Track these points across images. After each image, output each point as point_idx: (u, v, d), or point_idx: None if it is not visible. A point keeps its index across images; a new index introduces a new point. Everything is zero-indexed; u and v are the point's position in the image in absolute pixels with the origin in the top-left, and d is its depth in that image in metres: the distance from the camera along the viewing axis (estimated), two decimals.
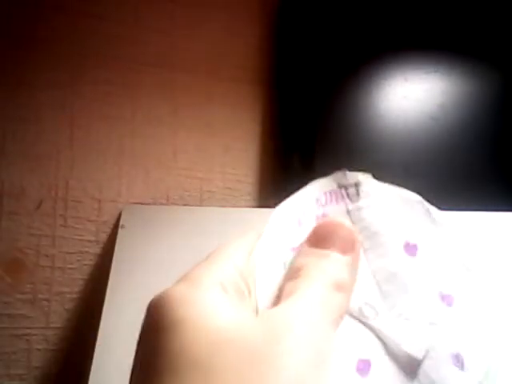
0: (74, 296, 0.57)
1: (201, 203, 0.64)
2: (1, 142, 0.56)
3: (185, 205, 0.64)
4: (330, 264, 0.21)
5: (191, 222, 0.57)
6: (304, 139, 0.66)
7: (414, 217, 0.24)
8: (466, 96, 0.65)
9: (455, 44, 0.66)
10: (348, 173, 0.24)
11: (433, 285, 0.22)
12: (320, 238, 0.22)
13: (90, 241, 0.59)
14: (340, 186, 0.24)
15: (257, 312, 0.20)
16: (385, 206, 0.24)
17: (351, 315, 0.21)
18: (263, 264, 0.21)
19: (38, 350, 0.55)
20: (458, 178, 0.63)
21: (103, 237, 0.59)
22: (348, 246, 0.21)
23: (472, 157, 0.64)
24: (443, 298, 0.22)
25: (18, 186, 0.56)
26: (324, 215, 0.23)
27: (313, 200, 0.23)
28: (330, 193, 0.23)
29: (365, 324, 0.21)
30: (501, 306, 0.21)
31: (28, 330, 0.55)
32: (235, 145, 0.68)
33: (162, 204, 0.62)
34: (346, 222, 0.22)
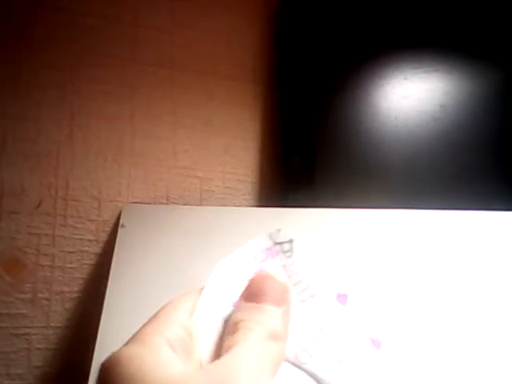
0: (74, 295, 0.57)
1: (201, 203, 0.64)
2: (1, 142, 0.56)
3: (185, 204, 0.64)
4: (264, 316, 0.22)
5: (191, 222, 0.57)
6: (304, 139, 0.66)
7: (344, 268, 0.26)
8: (466, 95, 0.65)
9: (455, 43, 0.66)
10: (282, 231, 0.26)
11: (363, 330, 0.24)
12: (254, 293, 0.23)
13: (89, 240, 0.59)
14: (275, 243, 0.26)
15: (201, 366, 0.22)
16: (317, 260, 0.26)
17: (289, 361, 0.23)
18: (205, 320, 0.23)
19: (38, 349, 0.55)
20: (458, 177, 0.63)
21: (103, 236, 0.59)
22: (280, 298, 0.23)
23: (472, 157, 0.64)
24: (373, 342, 0.24)
25: (18, 186, 0.56)
26: (261, 271, 0.25)
27: (251, 257, 0.26)
28: (267, 250, 0.26)
29: (301, 369, 0.23)
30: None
31: (28, 330, 0.55)
32: (235, 144, 0.68)
33: (161, 203, 0.62)
34: (278, 274, 0.24)
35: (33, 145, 0.58)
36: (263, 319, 0.22)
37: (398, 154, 0.64)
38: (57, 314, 0.56)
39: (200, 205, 0.64)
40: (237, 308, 0.23)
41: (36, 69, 0.59)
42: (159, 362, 0.20)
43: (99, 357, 0.48)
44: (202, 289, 0.25)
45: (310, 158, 0.65)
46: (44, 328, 0.56)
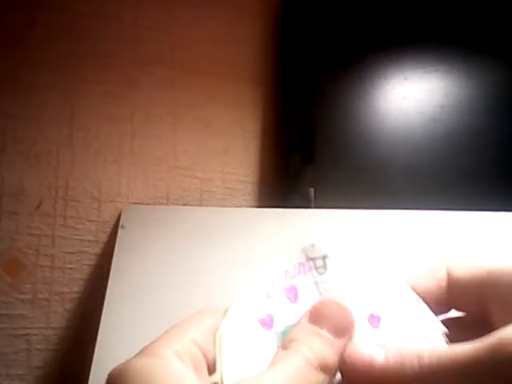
0: (74, 296, 0.57)
1: (201, 203, 0.64)
2: (1, 142, 0.56)
3: (185, 205, 0.63)
4: (319, 343, 0.22)
5: (191, 222, 0.57)
6: (304, 139, 0.66)
7: (378, 288, 0.25)
8: (467, 96, 0.65)
9: (455, 43, 0.66)
10: (317, 246, 0.26)
11: None
12: (318, 316, 0.23)
13: (89, 241, 0.58)
14: (308, 259, 0.25)
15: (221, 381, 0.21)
16: (350, 278, 0.25)
17: None
18: (231, 336, 0.23)
19: (38, 349, 0.55)
20: (458, 178, 0.63)
21: (103, 237, 0.59)
22: (342, 329, 0.23)
23: (473, 158, 0.63)
24: None
25: (18, 186, 0.56)
26: (292, 287, 0.25)
27: (282, 272, 0.25)
28: (299, 265, 0.25)
29: None
30: None
31: (28, 330, 0.55)
32: (235, 145, 0.68)
33: (161, 204, 0.62)
34: (345, 302, 0.23)
35: (33, 145, 0.58)
36: (317, 345, 0.22)
37: (398, 154, 0.64)
38: (57, 315, 0.56)
39: (200, 205, 0.64)
40: (298, 324, 0.23)
41: (36, 69, 0.59)
42: (170, 374, 0.20)
43: (99, 357, 0.48)
44: (224, 309, 0.24)
45: (310, 158, 0.65)
46: (44, 329, 0.56)
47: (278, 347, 0.22)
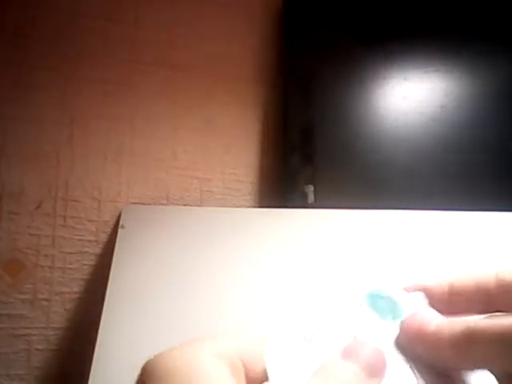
0: (74, 296, 0.57)
1: (201, 203, 0.64)
2: (1, 142, 0.56)
3: (185, 205, 0.64)
4: (351, 378, 0.22)
5: (191, 222, 0.57)
6: (304, 139, 0.66)
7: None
8: (467, 96, 0.65)
9: (455, 43, 0.66)
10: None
11: None
12: (351, 353, 0.23)
13: (89, 241, 0.59)
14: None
15: None
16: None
17: None
18: (278, 348, 0.23)
19: (38, 349, 0.55)
20: (458, 179, 0.63)
21: (103, 237, 0.59)
22: (374, 370, 0.22)
23: (473, 158, 0.63)
24: None
25: (18, 186, 0.56)
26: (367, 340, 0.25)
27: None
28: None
29: None
30: None
31: (28, 330, 0.55)
32: (235, 144, 0.68)
33: (161, 204, 0.62)
34: (379, 348, 0.24)
35: (33, 145, 0.58)
36: (348, 379, 0.21)
37: (398, 154, 0.64)
38: (57, 315, 0.56)
39: (200, 205, 0.64)
40: (330, 359, 0.22)
41: (36, 70, 0.59)
42: (207, 370, 0.19)
43: (99, 357, 0.48)
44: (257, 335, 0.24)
45: (310, 158, 0.65)
46: (44, 329, 0.56)
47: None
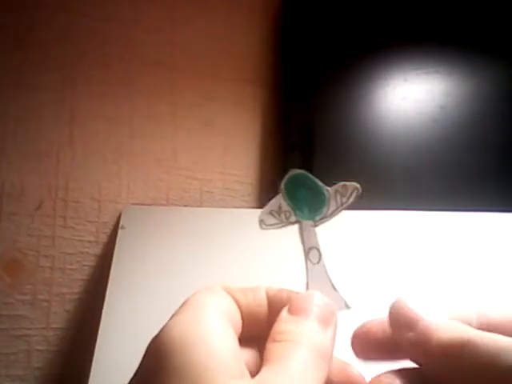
0: (74, 297, 0.57)
1: (200, 204, 0.64)
2: (1, 142, 0.56)
3: (185, 205, 0.64)
4: (314, 333, 0.22)
5: (191, 223, 0.57)
6: (303, 140, 0.66)
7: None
8: (466, 97, 0.65)
9: (455, 44, 0.66)
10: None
11: None
12: (300, 309, 0.23)
13: (89, 241, 0.58)
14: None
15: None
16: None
17: None
18: None
19: (38, 350, 0.55)
20: (458, 179, 0.63)
21: (103, 237, 0.59)
22: (326, 319, 0.23)
23: (473, 158, 0.63)
24: None
25: (18, 186, 0.56)
26: (308, 291, 0.25)
27: None
28: None
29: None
30: None
31: (28, 331, 0.55)
32: (235, 145, 0.68)
33: (161, 205, 0.62)
34: (323, 296, 0.24)
35: (33, 146, 0.58)
36: (312, 335, 0.22)
37: (398, 154, 0.64)
38: (57, 316, 0.56)
39: (200, 206, 0.64)
40: (281, 318, 0.23)
41: (36, 70, 0.59)
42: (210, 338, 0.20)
43: (99, 358, 0.48)
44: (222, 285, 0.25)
45: (310, 158, 0.65)
46: (44, 329, 0.56)
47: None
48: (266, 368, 0.20)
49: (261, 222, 0.25)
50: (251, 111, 0.70)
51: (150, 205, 0.62)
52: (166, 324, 0.21)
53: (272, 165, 0.70)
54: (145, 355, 0.21)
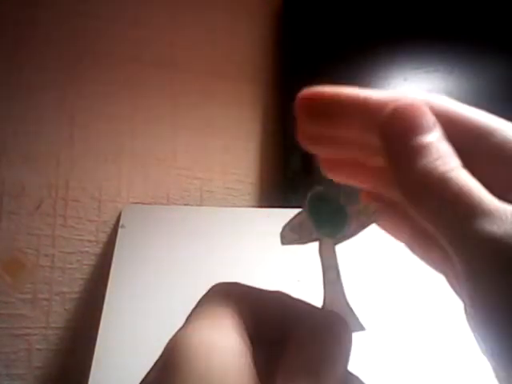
0: (74, 296, 0.57)
1: (201, 203, 0.64)
2: (1, 142, 0.56)
3: (185, 205, 0.64)
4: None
5: (191, 222, 0.57)
6: None
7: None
8: (467, 95, 0.65)
9: (455, 43, 0.66)
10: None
11: None
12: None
13: (89, 241, 0.59)
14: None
15: None
16: None
17: None
18: None
19: (38, 349, 0.55)
20: None
21: (103, 237, 0.59)
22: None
23: None
24: None
25: (18, 186, 0.56)
26: None
27: None
28: None
29: None
30: None
31: (28, 330, 0.55)
32: (235, 144, 0.68)
33: (162, 204, 0.62)
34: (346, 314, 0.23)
35: (33, 145, 0.58)
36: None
37: None
38: (57, 315, 0.56)
39: (200, 205, 0.64)
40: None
41: (36, 70, 0.59)
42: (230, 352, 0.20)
43: (99, 357, 0.48)
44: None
45: (310, 158, 0.65)
46: (44, 328, 0.56)
47: None
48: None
49: (282, 237, 0.25)
50: (251, 111, 0.70)
51: (150, 204, 0.62)
52: (186, 327, 0.21)
53: (272, 164, 0.70)
54: (161, 356, 0.21)
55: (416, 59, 0.67)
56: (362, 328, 0.23)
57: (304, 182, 0.64)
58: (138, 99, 0.63)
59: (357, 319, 0.23)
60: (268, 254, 0.52)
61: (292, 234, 0.25)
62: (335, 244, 0.24)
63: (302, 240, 0.25)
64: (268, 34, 0.73)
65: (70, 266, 0.57)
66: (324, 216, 0.25)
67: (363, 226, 0.25)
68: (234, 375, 0.19)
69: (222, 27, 0.70)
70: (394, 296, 0.49)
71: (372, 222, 0.25)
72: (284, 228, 0.25)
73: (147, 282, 0.52)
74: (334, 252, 0.24)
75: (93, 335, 0.49)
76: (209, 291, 0.23)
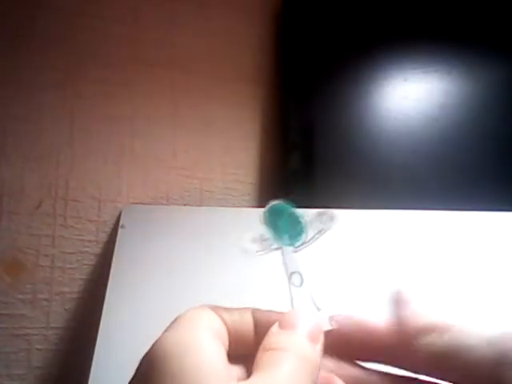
0: (74, 296, 0.57)
1: (201, 203, 0.64)
2: (1, 142, 0.56)
3: (185, 205, 0.64)
4: (303, 344, 0.23)
5: (191, 222, 0.57)
6: (303, 139, 0.66)
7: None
8: (466, 96, 0.65)
9: (455, 43, 0.66)
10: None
11: None
12: (291, 323, 0.24)
13: (89, 241, 0.59)
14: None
15: None
16: None
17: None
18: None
19: (38, 349, 0.55)
20: (458, 178, 0.63)
21: (103, 237, 0.59)
22: (315, 336, 0.23)
23: (473, 157, 0.64)
24: None
25: (19, 186, 0.56)
26: (297, 307, 0.26)
27: None
28: None
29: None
30: None
31: (28, 330, 0.55)
32: (235, 145, 0.68)
33: (161, 204, 0.62)
34: (314, 314, 0.25)
35: (33, 145, 0.58)
36: (301, 345, 0.22)
37: (398, 154, 0.64)
38: (57, 315, 0.56)
39: (200, 205, 0.64)
40: (271, 332, 0.23)
41: (36, 70, 0.59)
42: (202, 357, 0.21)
43: (99, 357, 0.48)
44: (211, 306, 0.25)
45: (310, 158, 0.65)
46: (44, 328, 0.56)
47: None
48: (255, 374, 0.21)
49: (244, 250, 0.27)
50: (251, 111, 0.70)
51: (149, 204, 0.62)
52: (160, 337, 0.22)
53: (272, 164, 0.70)
54: (139, 365, 0.22)
55: (415, 59, 0.67)
56: (330, 325, 0.25)
57: (304, 182, 0.64)
58: (137, 99, 0.63)
59: (325, 317, 0.25)
60: (268, 253, 0.52)
61: (254, 246, 0.27)
62: (296, 252, 0.26)
63: (264, 251, 0.27)
64: (268, 35, 0.73)
65: (70, 266, 0.57)
66: (281, 227, 0.27)
67: (320, 232, 0.27)
68: (207, 374, 0.20)
69: (222, 28, 0.70)
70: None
71: (328, 229, 0.27)
72: (244, 242, 0.27)
73: (147, 282, 0.52)
74: (296, 259, 0.26)
75: (93, 335, 0.49)
76: (184, 312, 0.24)
